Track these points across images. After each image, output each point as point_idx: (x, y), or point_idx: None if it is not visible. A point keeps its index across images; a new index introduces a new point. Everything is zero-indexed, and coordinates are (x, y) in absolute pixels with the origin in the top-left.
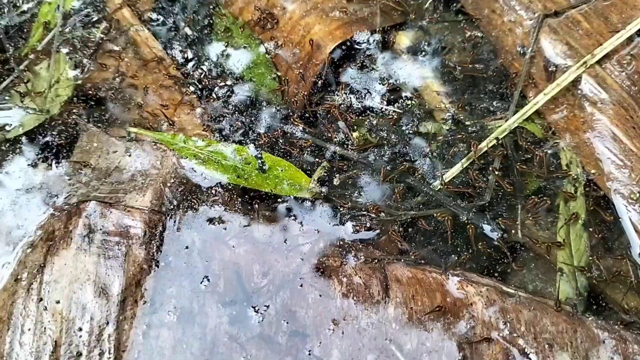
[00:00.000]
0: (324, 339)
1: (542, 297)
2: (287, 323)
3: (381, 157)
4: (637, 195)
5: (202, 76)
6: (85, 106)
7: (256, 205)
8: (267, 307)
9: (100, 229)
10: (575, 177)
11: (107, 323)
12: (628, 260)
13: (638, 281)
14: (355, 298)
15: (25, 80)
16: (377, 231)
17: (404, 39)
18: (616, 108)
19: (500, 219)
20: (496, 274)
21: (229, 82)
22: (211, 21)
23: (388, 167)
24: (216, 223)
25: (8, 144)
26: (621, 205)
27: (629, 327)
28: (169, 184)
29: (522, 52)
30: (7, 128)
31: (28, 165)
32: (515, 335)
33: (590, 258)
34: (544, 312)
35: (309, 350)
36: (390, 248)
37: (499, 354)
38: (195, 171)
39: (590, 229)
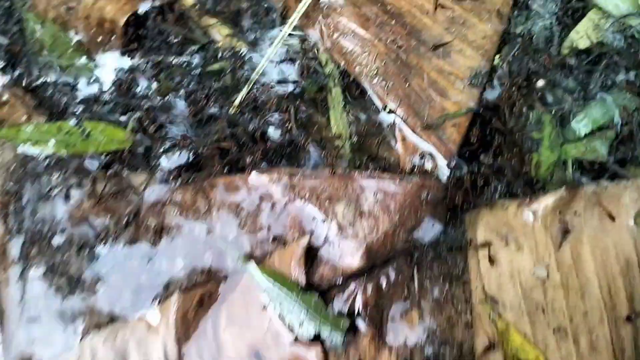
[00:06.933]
0: None
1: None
2: None
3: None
4: (375, 71)
5: None
6: None
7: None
8: None
9: None
10: (330, 72)
11: None
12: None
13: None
14: None
15: None
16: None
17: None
18: (350, 7)
19: None
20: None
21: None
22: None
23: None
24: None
25: None
26: (366, 83)
27: (384, 172)
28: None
29: None
30: None
31: None
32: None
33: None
34: (322, 178)
35: None
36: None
37: None
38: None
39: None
